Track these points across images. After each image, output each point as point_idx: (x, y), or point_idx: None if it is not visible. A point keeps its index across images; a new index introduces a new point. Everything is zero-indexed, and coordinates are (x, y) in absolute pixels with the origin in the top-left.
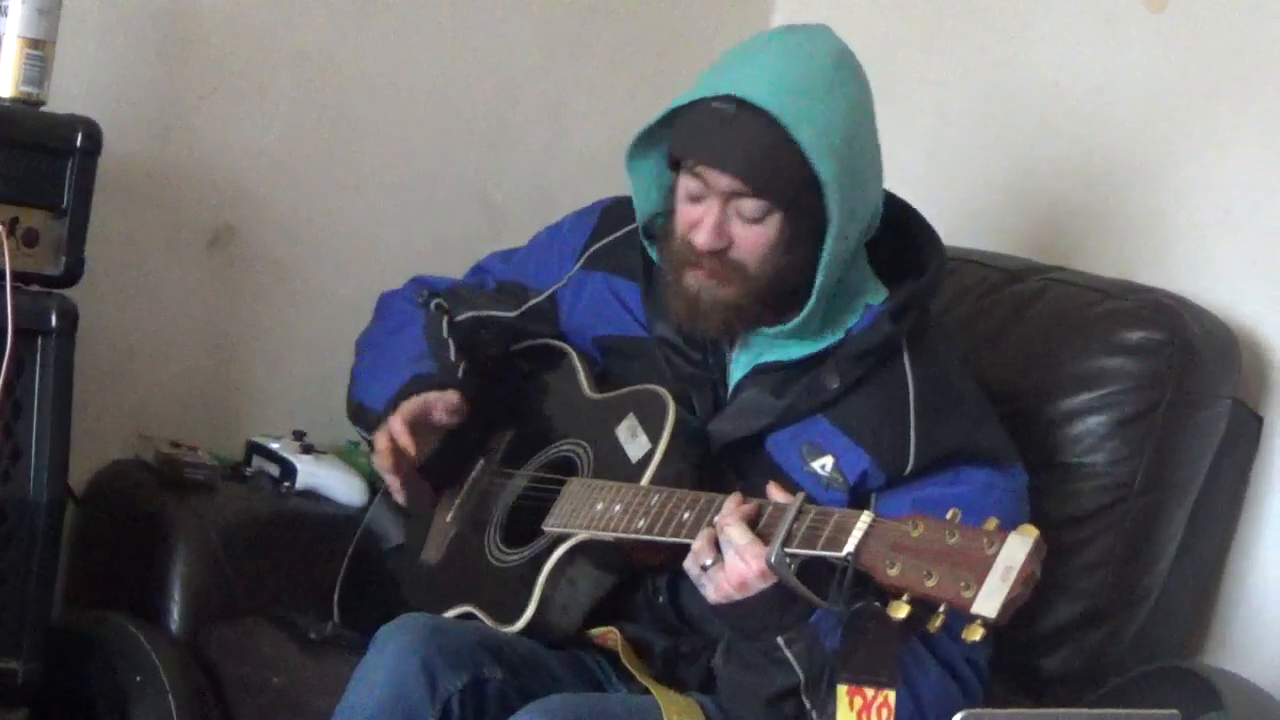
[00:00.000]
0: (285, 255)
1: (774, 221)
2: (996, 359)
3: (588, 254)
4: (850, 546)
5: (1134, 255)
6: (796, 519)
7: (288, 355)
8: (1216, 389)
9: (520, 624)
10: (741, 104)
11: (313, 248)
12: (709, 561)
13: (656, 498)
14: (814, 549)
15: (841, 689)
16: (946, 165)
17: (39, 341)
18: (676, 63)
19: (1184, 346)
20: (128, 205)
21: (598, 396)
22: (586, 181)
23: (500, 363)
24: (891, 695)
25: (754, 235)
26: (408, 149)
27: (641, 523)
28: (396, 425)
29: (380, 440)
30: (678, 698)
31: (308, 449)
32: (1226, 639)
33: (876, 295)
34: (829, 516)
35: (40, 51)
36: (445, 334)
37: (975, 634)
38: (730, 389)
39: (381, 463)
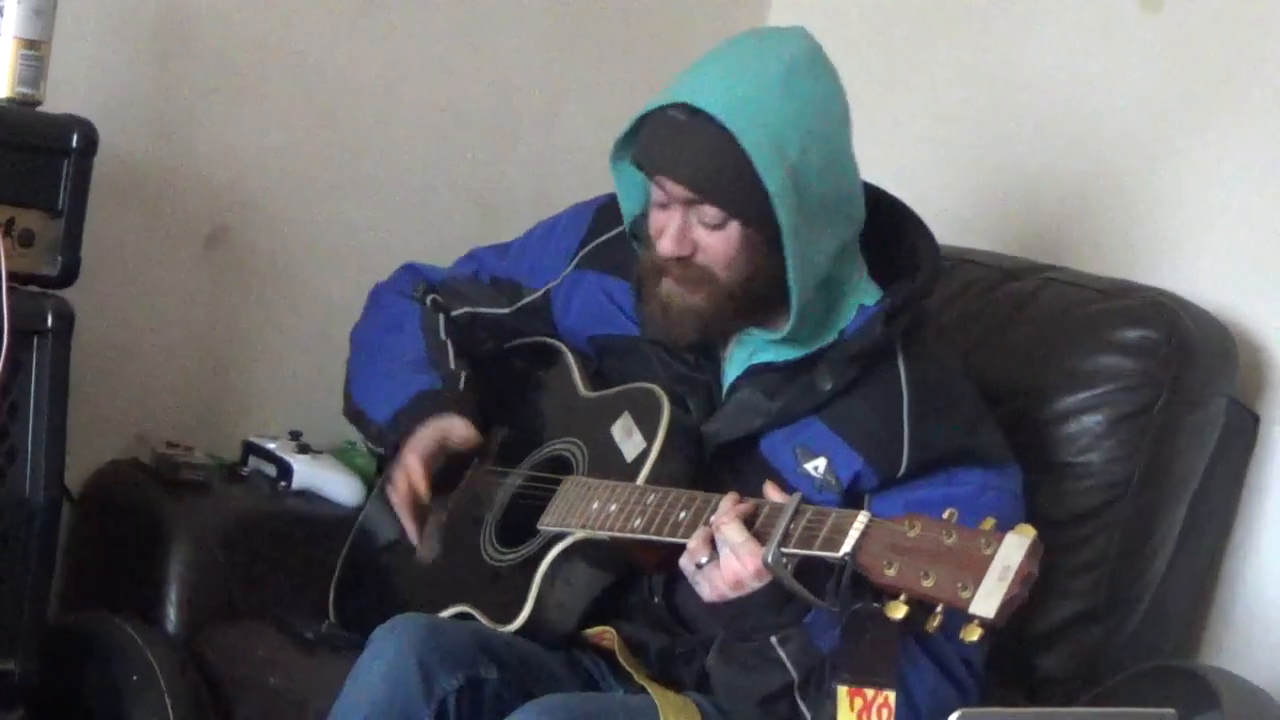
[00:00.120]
0: (282, 255)
1: (734, 228)
2: (993, 358)
3: (582, 254)
4: (847, 547)
5: (1131, 254)
6: (793, 519)
7: (284, 355)
8: (1213, 388)
9: (516, 624)
10: (693, 112)
11: (309, 248)
12: (704, 560)
13: (652, 497)
14: (811, 549)
15: (841, 690)
16: (944, 164)
17: (35, 342)
18: (673, 63)
19: (1180, 345)
20: (124, 206)
21: (592, 395)
22: (583, 182)
23: (495, 360)
24: (891, 696)
25: (716, 242)
26: (405, 150)
27: (637, 522)
28: (415, 469)
29: (400, 483)
30: (674, 697)
31: (304, 449)
32: (1223, 638)
33: (870, 296)
34: (826, 516)
35: (36, 52)
36: (443, 335)
37: (973, 634)
38: (724, 390)
39: (401, 504)
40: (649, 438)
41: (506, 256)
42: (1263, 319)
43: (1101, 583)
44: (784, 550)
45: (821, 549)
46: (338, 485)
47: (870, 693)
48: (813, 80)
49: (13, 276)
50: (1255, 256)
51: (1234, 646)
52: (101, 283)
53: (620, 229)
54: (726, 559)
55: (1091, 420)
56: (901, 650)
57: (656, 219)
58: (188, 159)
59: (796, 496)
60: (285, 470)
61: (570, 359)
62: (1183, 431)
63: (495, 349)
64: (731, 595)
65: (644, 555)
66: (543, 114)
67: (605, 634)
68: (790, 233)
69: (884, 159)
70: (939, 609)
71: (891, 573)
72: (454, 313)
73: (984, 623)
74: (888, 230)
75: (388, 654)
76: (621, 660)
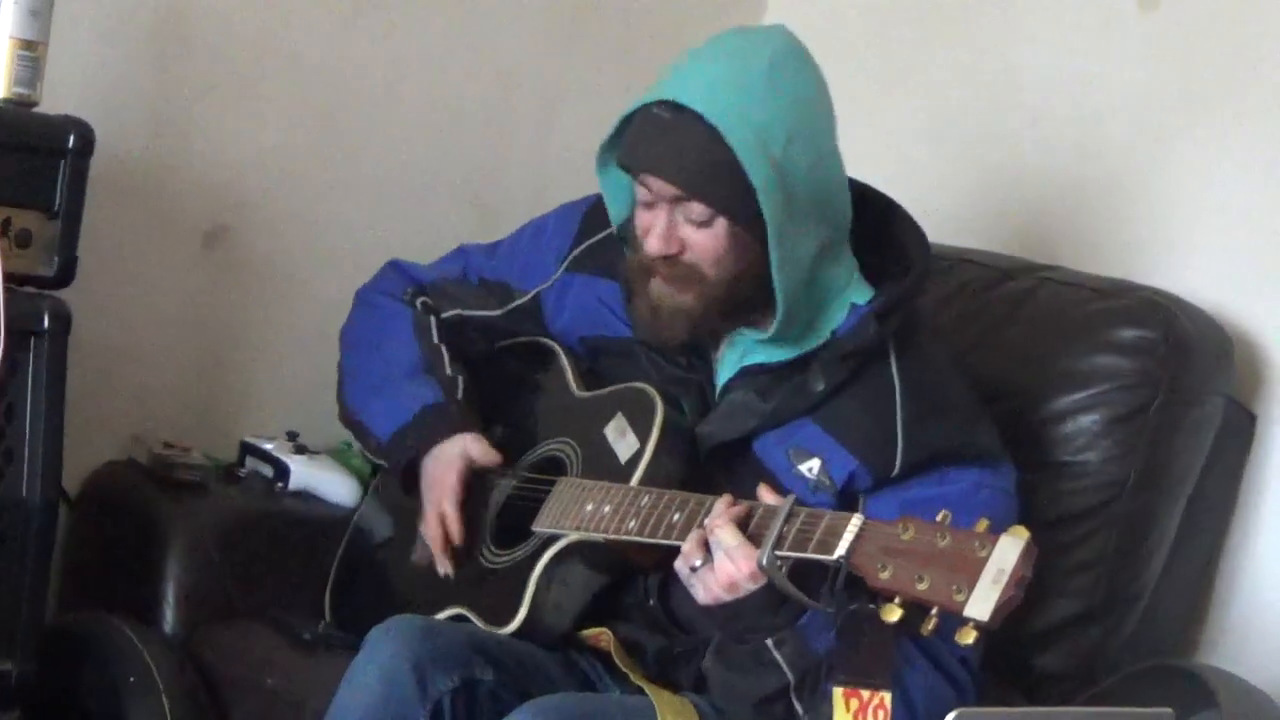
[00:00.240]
0: (279, 255)
1: (721, 224)
2: (990, 357)
3: (571, 257)
4: (841, 550)
5: (1127, 254)
6: (787, 521)
7: (281, 356)
8: (1210, 387)
9: (513, 626)
10: (678, 109)
11: (306, 248)
12: (698, 563)
13: (647, 499)
14: (805, 552)
15: (837, 691)
16: (941, 164)
17: (32, 343)
18: (669, 62)
19: (1177, 344)
20: (121, 206)
21: (585, 395)
22: (580, 183)
23: (487, 359)
24: (887, 697)
25: (703, 239)
26: (402, 149)
27: (632, 524)
28: (451, 515)
29: (432, 525)
30: (672, 698)
31: (301, 449)
32: (1221, 637)
33: (861, 295)
34: (819, 519)
35: (32, 52)
36: (436, 339)
37: (968, 637)
38: (717, 391)
39: (435, 542)
40: (642, 439)
41: (495, 257)
42: (1260, 318)
43: (1099, 582)
44: (778, 553)
45: (815, 552)
46: (335, 486)
47: (866, 694)
48: (796, 77)
49: (9, 277)
50: (1252, 255)
51: (1231, 646)
52: (98, 283)
53: (609, 231)
54: (721, 562)
55: (1088, 419)
56: (898, 650)
57: (643, 219)
58: (185, 159)
59: (790, 499)
60: (282, 471)
61: (563, 358)
62: (1180, 431)
63: (486, 350)
64: (726, 598)
65: (639, 555)
66: (540, 114)
67: (602, 635)
68: (775, 229)
69: (881, 158)
70: (934, 611)
71: (886, 576)
72: (445, 314)
73: (979, 626)
74: (878, 228)
75: (383, 655)
76: (618, 661)
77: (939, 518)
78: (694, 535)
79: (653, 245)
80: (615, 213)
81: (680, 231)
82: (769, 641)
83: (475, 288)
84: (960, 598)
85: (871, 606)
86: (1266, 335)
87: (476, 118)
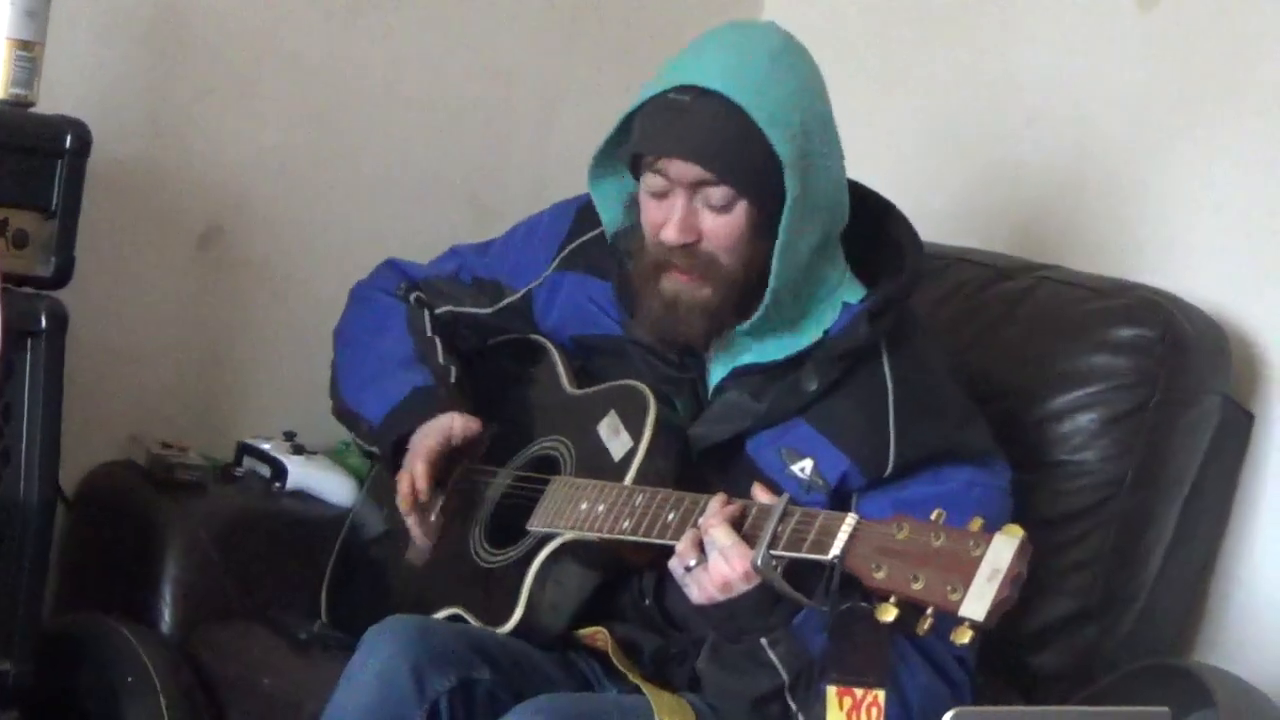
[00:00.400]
0: (275, 255)
1: (740, 208)
2: (987, 356)
3: (562, 255)
4: (836, 550)
5: (1124, 253)
6: (781, 520)
7: (278, 356)
8: (1207, 386)
9: (509, 625)
10: (696, 91)
11: (304, 248)
12: (693, 563)
13: (641, 498)
14: (799, 552)
15: (830, 689)
16: (939, 163)
17: (29, 343)
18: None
19: (1174, 343)
20: (118, 206)
21: (578, 393)
22: (579, 183)
23: (480, 356)
24: (881, 695)
25: (723, 225)
26: (399, 149)
27: (626, 523)
28: (418, 471)
29: (403, 484)
30: (669, 697)
31: (298, 449)
32: (1218, 636)
33: (854, 293)
34: (814, 518)
35: (29, 53)
36: (430, 332)
37: (964, 636)
38: (710, 391)
39: (405, 506)
40: (636, 437)
41: (488, 255)
42: (1257, 316)
43: (1096, 581)
44: (773, 553)
45: (810, 551)
46: (332, 485)
47: (859, 692)
48: (803, 63)
49: (6, 277)
50: (1249, 254)
51: (1228, 645)
52: (95, 283)
53: (601, 230)
54: (715, 562)
55: (1085, 419)
56: (893, 649)
57: (654, 213)
58: (182, 159)
59: (784, 498)
60: (279, 471)
61: (555, 355)
62: (1177, 430)
63: (479, 346)
64: (720, 597)
65: (634, 554)
66: (540, 114)
67: (598, 635)
68: (791, 209)
69: (881, 158)
70: (929, 611)
71: (881, 575)
72: (436, 310)
73: (974, 625)
74: (871, 227)
75: (379, 655)
76: (615, 661)
77: (933, 517)
78: (688, 535)
79: (670, 235)
80: (609, 221)
81: (698, 219)
82: (764, 641)
83: (468, 286)
84: (955, 597)
85: (866, 605)
86: (1264, 334)
87: (476, 117)
